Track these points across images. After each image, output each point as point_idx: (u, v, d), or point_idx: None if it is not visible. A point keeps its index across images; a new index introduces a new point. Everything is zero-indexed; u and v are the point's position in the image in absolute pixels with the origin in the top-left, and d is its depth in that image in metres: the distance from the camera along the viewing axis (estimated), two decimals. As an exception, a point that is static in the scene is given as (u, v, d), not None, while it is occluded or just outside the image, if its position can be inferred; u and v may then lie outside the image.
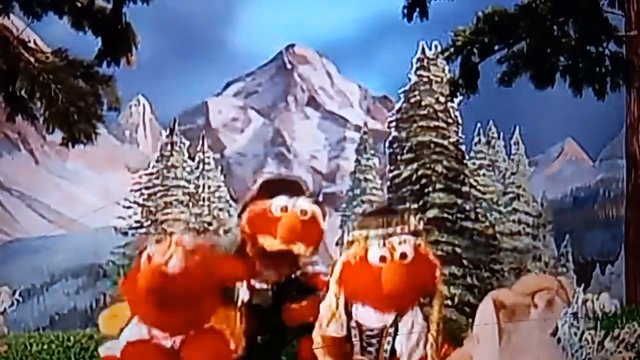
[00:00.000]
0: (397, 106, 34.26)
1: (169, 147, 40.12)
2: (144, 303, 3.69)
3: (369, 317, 3.91)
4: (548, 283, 3.45)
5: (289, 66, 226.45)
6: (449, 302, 28.51)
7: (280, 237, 4.29)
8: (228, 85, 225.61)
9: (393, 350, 3.87)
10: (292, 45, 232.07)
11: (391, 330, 3.88)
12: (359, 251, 3.90)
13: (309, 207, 4.41)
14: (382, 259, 3.83)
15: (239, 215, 4.67)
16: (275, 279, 4.54)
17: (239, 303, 4.34)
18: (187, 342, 3.80)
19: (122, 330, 3.95)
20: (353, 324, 3.91)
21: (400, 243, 3.83)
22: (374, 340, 3.91)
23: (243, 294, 4.36)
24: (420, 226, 4.00)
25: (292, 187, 4.55)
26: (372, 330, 3.90)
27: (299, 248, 4.35)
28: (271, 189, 4.51)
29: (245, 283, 4.31)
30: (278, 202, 4.35)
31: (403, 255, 3.81)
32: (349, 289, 3.92)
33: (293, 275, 4.59)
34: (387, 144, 34.29)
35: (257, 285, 4.49)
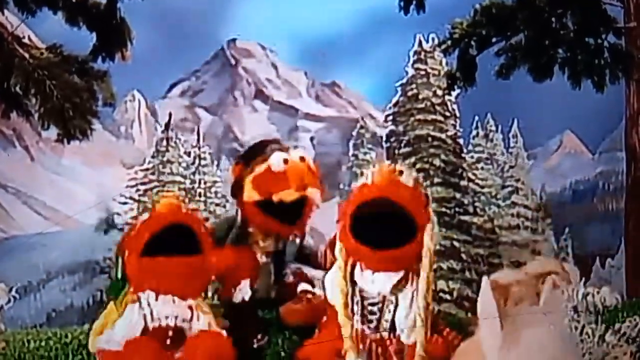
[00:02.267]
0: (394, 100, 34.22)
1: (164, 143, 40.07)
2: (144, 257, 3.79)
3: (369, 281, 3.90)
4: (548, 265, 3.43)
5: (232, 61, 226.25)
6: (447, 296, 28.57)
7: (294, 185, 4.34)
8: (173, 86, 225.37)
9: (393, 323, 3.85)
10: (234, 40, 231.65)
11: (392, 298, 3.85)
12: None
13: (304, 154, 4.54)
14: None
15: (233, 195, 4.67)
16: (273, 248, 4.53)
17: (239, 301, 4.29)
18: (188, 343, 3.78)
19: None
20: (356, 290, 3.90)
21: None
22: (375, 309, 3.88)
23: (244, 293, 4.32)
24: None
25: (274, 145, 4.66)
26: (373, 297, 3.88)
27: (312, 192, 4.42)
28: (265, 149, 4.57)
29: (248, 281, 4.28)
30: (277, 158, 4.43)
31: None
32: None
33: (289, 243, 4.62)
34: (384, 138, 34.30)
35: (261, 260, 4.49)
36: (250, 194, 4.51)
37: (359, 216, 3.85)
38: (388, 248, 3.78)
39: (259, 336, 4.28)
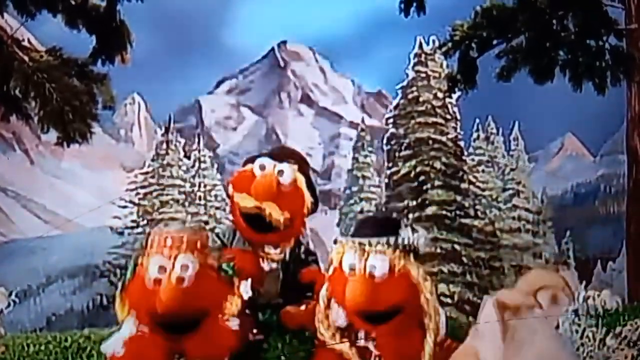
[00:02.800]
0: (394, 102, 34.19)
1: (164, 146, 40.05)
2: (155, 321, 3.65)
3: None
4: (551, 281, 3.35)
5: (281, 63, 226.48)
6: (448, 300, 28.52)
7: (253, 193, 4.25)
8: (220, 82, 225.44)
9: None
10: (285, 42, 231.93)
11: None
12: (336, 257, 3.76)
13: (288, 170, 4.36)
14: (352, 268, 3.67)
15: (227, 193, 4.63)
16: (278, 257, 4.48)
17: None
18: (190, 335, 3.74)
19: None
20: None
21: (375, 254, 3.66)
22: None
23: (244, 292, 4.27)
24: (415, 242, 3.77)
25: (281, 152, 4.52)
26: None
27: (271, 208, 4.28)
28: (252, 158, 4.52)
29: (249, 282, 4.23)
30: (258, 161, 4.33)
31: (372, 269, 3.63)
32: (331, 293, 3.82)
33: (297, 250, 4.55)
34: (384, 141, 34.24)
35: (266, 267, 4.44)
36: (230, 189, 4.50)
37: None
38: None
39: (255, 330, 4.25)
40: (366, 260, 3.64)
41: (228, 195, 4.58)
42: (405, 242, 3.73)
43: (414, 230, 3.80)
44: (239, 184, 4.38)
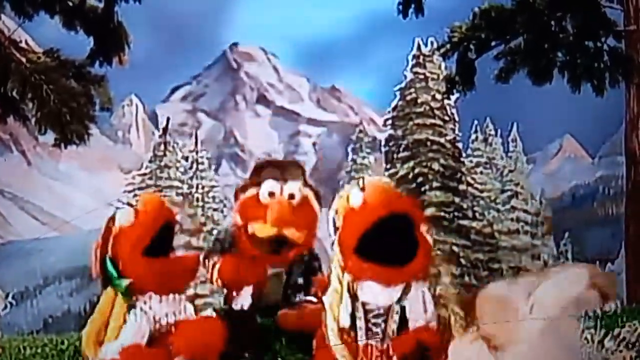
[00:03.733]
0: (393, 104, 34.16)
1: (162, 147, 39.98)
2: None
3: (375, 294, 3.89)
4: (604, 278, 3.38)
5: (234, 65, 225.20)
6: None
7: (270, 222, 4.28)
8: (175, 90, 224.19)
9: (399, 329, 3.87)
10: (236, 44, 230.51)
11: (397, 307, 3.88)
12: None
13: (297, 191, 4.41)
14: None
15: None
16: (283, 266, 4.47)
17: (239, 308, 4.26)
18: (178, 327, 3.80)
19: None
20: (358, 305, 3.88)
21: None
22: (379, 320, 3.89)
23: (244, 300, 4.28)
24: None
25: (282, 169, 4.52)
26: (378, 309, 3.89)
27: (291, 233, 4.32)
28: (262, 172, 4.50)
29: (250, 289, 4.24)
30: (266, 188, 4.35)
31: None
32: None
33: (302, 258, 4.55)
34: (383, 142, 34.25)
35: (270, 271, 4.44)
36: (235, 216, 4.52)
37: (364, 239, 3.84)
38: (398, 264, 3.82)
39: (250, 350, 4.24)
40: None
41: (234, 224, 4.63)
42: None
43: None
44: (250, 214, 4.40)
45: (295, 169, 4.64)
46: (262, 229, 4.37)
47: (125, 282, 3.87)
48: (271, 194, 4.41)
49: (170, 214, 4.04)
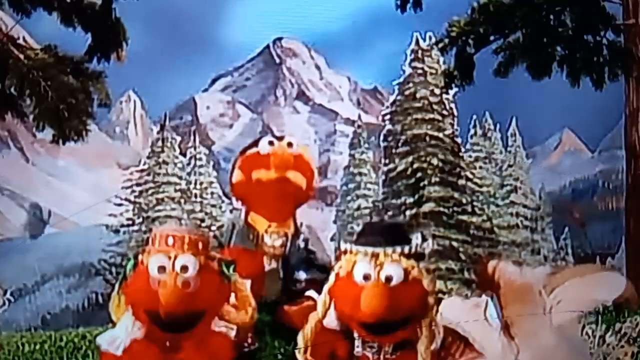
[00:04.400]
0: (391, 99, 34.04)
1: (159, 143, 39.91)
2: (153, 320, 3.61)
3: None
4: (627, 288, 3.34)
5: (277, 60, 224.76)
6: (446, 297, 28.41)
7: (273, 166, 4.32)
8: (215, 80, 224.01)
9: (396, 344, 3.69)
10: (280, 39, 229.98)
11: None
12: (346, 265, 3.66)
13: (294, 142, 4.50)
14: (366, 277, 3.57)
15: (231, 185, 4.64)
16: (280, 245, 4.45)
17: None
18: (188, 343, 3.70)
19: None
20: None
21: (390, 262, 3.59)
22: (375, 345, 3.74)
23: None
24: (424, 249, 3.73)
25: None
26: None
27: (294, 175, 4.34)
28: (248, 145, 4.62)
29: (249, 282, 4.20)
30: (264, 140, 4.44)
31: (388, 278, 3.55)
32: (336, 304, 3.70)
33: (298, 249, 4.53)
34: (381, 137, 34.13)
35: (266, 267, 4.42)
36: (235, 175, 4.52)
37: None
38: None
39: (250, 340, 4.21)
40: (381, 269, 3.57)
41: (229, 185, 4.60)
42: (415, 250, 3.69)
43: (423, 239, 3.75)
44: (252, 164, 4.42)
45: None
46: (267, 175, 4.40)
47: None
48: (271, 143, 4.49)
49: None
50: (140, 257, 3.71)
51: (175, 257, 3.60)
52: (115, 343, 3.72)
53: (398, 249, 3.62)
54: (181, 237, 3.68)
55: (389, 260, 3.59)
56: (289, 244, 4.51)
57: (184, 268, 3.58)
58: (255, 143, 4.65)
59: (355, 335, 3.72)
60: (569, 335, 3.24)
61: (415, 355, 3.63)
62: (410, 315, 3.60)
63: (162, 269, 3.57)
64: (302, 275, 4.52)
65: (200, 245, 3.71)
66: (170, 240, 3.66)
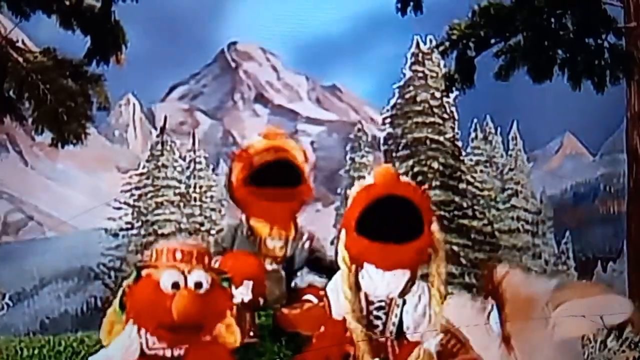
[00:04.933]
0: (391, 102, 34.06)
1: (159, 147, 39.89)
2: (160, 328, 3.62)
3: (375, 283, 3.92)
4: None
5: (233, 64, 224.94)
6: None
7: (271, 147, 4.35)
8: (173, 88, 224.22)
9: (400, 326, 3.91)
10: (235, 43, 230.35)
11: (399, 301, 3.90)
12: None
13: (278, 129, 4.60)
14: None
15: (230, 194, 4.62)
16: (282, 251, 4.43)
17: (239, 302, 4.20)
18: (188, 355, 3.69)
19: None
20: (360, 296, 3.92)
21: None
22: (380, 313, 3.91)
23: (244, 294, 4.22)
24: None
25: None
26: (379, 301, 3.90)
27: (289, 145, 4.38)
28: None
29: (251, 283, 4.18)
30: (257, 136, 4.51)
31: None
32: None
33: (299, 250, 4.52)
34: (381, 141, 34.18)
35: (268, 267, 4.40)
36: (235, 173, 4.50)
37: (366, 217, 3.83)
38: (398, 242, 3.79)
39: (251, 333, 4.21)
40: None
41: (231, 194, 4.56)
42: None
43: None
44: (247, 156, 4.42)
45: None
46: (262, 155, 4.44)
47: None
48: (260, 134, 4.56)
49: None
50: (144, 271, 3.73)
51: (189, 273, 3.65)
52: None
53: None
54: (189, 251, 3.73)
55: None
56: (289, 246, 4.49)
57: (198, 285, 3.68)
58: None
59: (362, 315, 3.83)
60: (570, 352, 3.20)
61: None
62: (412, 204, 3.94)
63: (175, 285, 3.62)
64: (304, 278, 4.51)
65: (206, 259, 3.77)
66: (179, 255, 3.70)
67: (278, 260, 4.50)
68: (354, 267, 3.94)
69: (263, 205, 4.46)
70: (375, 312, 3.91)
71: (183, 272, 3.69)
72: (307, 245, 4.63)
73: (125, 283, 3.79)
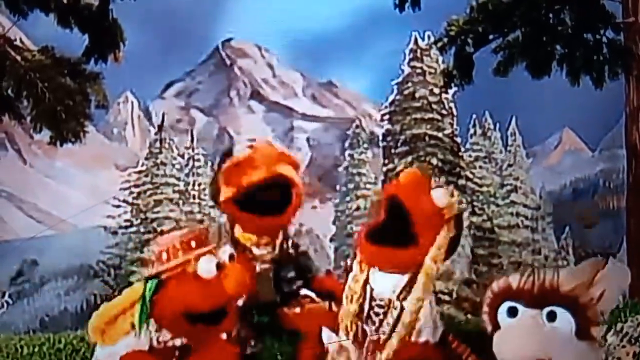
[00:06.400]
0: (390, 98, 34.07)
1: (157, 144, 39.85)
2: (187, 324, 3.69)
3: (379, 283, 3.94)
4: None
5: (227, 62, 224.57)
6: (446, 297, 28.44)
7: (262, 165, 4.25)
8: (168, 86, 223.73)
9: (393, 327, 3.87)
10: (229, 40, 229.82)
11: (397, 304, 3.87)
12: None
13: (271, 140, 4.51)
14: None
15: (216, 203, 4.55)
16: (271, 249, 4.41)
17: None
18: (194, 354, 3.72)
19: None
20: (368, 293, 3.95)
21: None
22: (380, 311, 3.91)
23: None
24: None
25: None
26: (382, 299, 3.92)
27: (286, 169, 4.29)
28: (223, 157, 4.58)
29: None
30: (240, 147, 4.39)
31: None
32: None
33: (289, 251, 4.50)
34: (380, 137, 34.20)
35: (258, 268, 4.38)
36: (224, 192, 4.40)
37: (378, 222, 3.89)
38: (392, 246, 3.83)
39: (252, 342, 4.21)
40: None
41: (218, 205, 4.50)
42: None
43: None
44: (234, 176, 4.32)
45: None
46: (257, 175, 4.34)
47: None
48: (250, 147, 4.45)
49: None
50: (164, 275, 3.77)
51: (214, 253, 3.83)
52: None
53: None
54: (196, 235, 3.85)
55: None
56: (277, 249, 4.48)
57: (231, 256, 3.91)
58: (229, 154, 4.48)
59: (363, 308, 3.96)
60: None
61: None
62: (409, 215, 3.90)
63: (218, 266, 3.78)
64: (292, 274, 4.50)
65: (208, 238, 3.94)
66: (193, 243, 3.76)
67: (266, 261, 4.49)
68: (365, 267, 3.97)
69: (251, 221, 4.41)
70: (376, 309, 3.90)
71: (214, 254, 3.80)
72: (292, 251, 4.61)
73: (147, 297, 3.75)
